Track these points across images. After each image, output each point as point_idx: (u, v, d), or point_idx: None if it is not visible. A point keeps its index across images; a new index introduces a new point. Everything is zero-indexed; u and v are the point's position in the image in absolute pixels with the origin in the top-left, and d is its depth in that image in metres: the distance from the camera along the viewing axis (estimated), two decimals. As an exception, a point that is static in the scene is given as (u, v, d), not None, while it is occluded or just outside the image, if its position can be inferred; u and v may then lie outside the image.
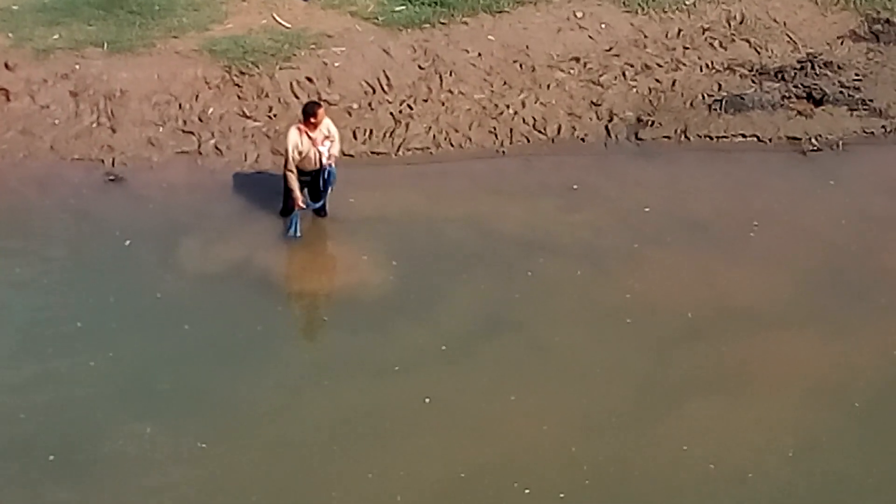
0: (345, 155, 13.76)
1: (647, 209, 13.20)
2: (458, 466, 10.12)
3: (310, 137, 12.54)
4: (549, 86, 14.97)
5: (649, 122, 14.57)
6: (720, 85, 15.09)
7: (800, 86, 15.03)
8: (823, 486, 10.07)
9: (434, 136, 14.30)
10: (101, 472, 10.09)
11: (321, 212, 12.92)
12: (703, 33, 15.82)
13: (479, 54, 15.21)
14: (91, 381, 10.91)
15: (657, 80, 15.15)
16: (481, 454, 10.25)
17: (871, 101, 14.86)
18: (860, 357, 11.30)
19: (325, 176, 12.66)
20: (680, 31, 15.82)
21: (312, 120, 12.50)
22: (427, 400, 10.72)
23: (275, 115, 14.24)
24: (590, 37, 15.61)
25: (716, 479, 10.08)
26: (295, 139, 12.51)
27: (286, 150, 12.57)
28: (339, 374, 11.06)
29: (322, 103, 13.03)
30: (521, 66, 15.15)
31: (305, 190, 12.74)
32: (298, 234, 12.65)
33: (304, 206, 12.63)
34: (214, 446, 10.28)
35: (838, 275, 12.35)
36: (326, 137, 12.63)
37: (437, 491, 9.96)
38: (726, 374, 11.09)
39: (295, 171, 12.55)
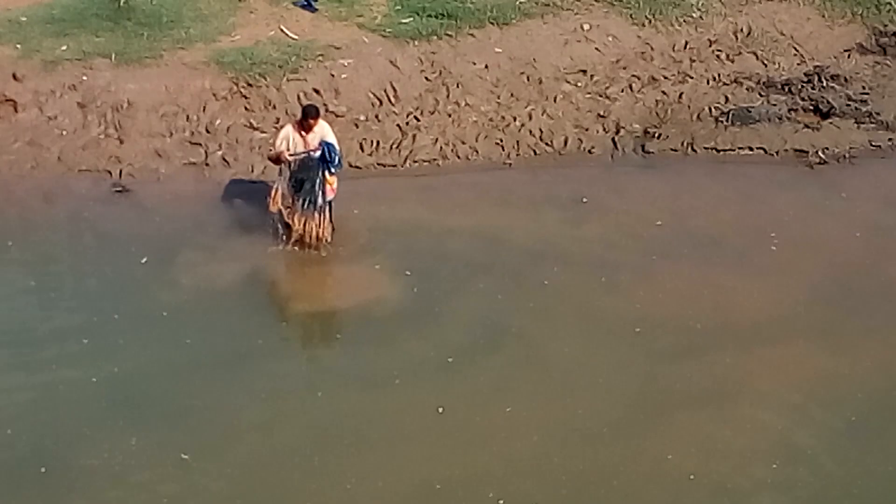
0: (352, 166, 13.80)
1: (658, 223, 13.15)
2: (436, 477, 10.06)
3: (303, 137, 12.47)
4: (556, 98, 14.99)
5: (656, 135, 14.57)
6: (727, 97, 15.10)
7: (807, 98, 15.04)
8: (806, 498, 10.01)
9: (441, 147, 14.32)
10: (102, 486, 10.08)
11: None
12: (710, 46, 15.83)
13: (487, 66, 15.23)
14: (95, 395, 10.90)
15: (664, 93, 15.17)
16: (463, 465, 10.20)
17: (878, 114, 14.86)
18: (861, 371, 11.23)
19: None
20: (687, 43, 15.84)
21: (309, 122, 12.40)
22: (440, 409, 10.70)
23: (282, 127, 14.22)
24: (597, 49, 15.64)
25: (695, 490, 9.99)
26: (287, 133, 12.52)
27: (272, 141, 12.67)
28: (341, 385, 11.03)
29: (320, 111, 12.82)
30: (528, 78, 15.17)
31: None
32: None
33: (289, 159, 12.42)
34: (203, 458, 10.24)
35: (845, 288, 12.31)
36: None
37: (408, 502, 9.91)
38: (726, 385, 11.03)
39: (276, 159, 12.52)
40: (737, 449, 10.37)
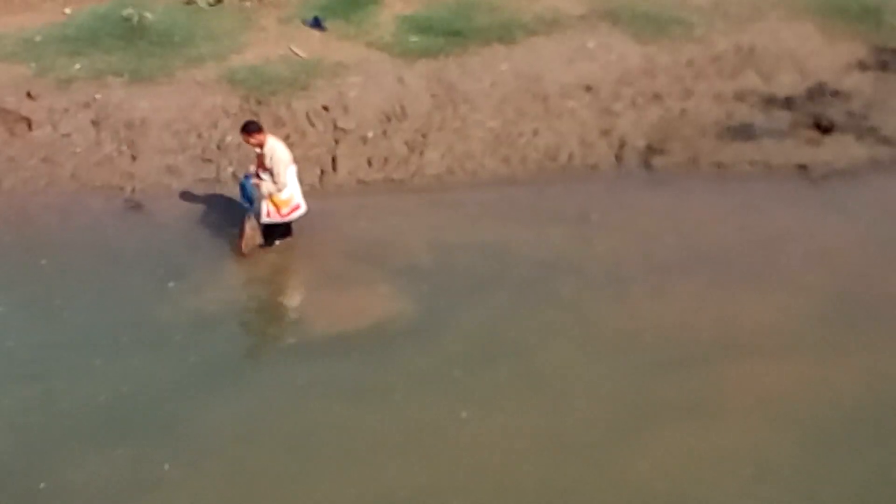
0: (360, 182, 13.96)
1: (662, 237, 13.23)
2: (404, 487, 10.11)
3: (257, 157, 12.61)
4: (560, 114, 15.11)
5: (660, 150, 14.70)
6: (729, 113, 15.25)
7: (808, 114, 15.15)
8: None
9: (448, 163, 14.45)
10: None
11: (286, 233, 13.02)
12: (713, 63, 15.95)
13: (493, 84, 15.37)
14: (102, 414, 10.98)
15: (667, 109, 15.28)
16: (435, 475, 10.26)
17: (878, 129, 14.98)
18: (859, 385, 11.27)
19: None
20: (690, 60, 15.99)
21: (247, 139, 12.52)
22: (463, 415, 10.77)
23: (291, 144, 14.26)
24: (601, 66, 15.76)
25: (662, 500, 10.09)
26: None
27: None
28: (338, 399, 11.09)
29: (256, 126, 12.74)
30: (533, 95, 15.30)
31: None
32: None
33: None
34: (188, 470, 10.34)
35: (848, 301, 12.38)
36: (269, 170, 12.55)
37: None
38: (723, 398, 11.08)
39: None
40: (717, 462, 10.40)
